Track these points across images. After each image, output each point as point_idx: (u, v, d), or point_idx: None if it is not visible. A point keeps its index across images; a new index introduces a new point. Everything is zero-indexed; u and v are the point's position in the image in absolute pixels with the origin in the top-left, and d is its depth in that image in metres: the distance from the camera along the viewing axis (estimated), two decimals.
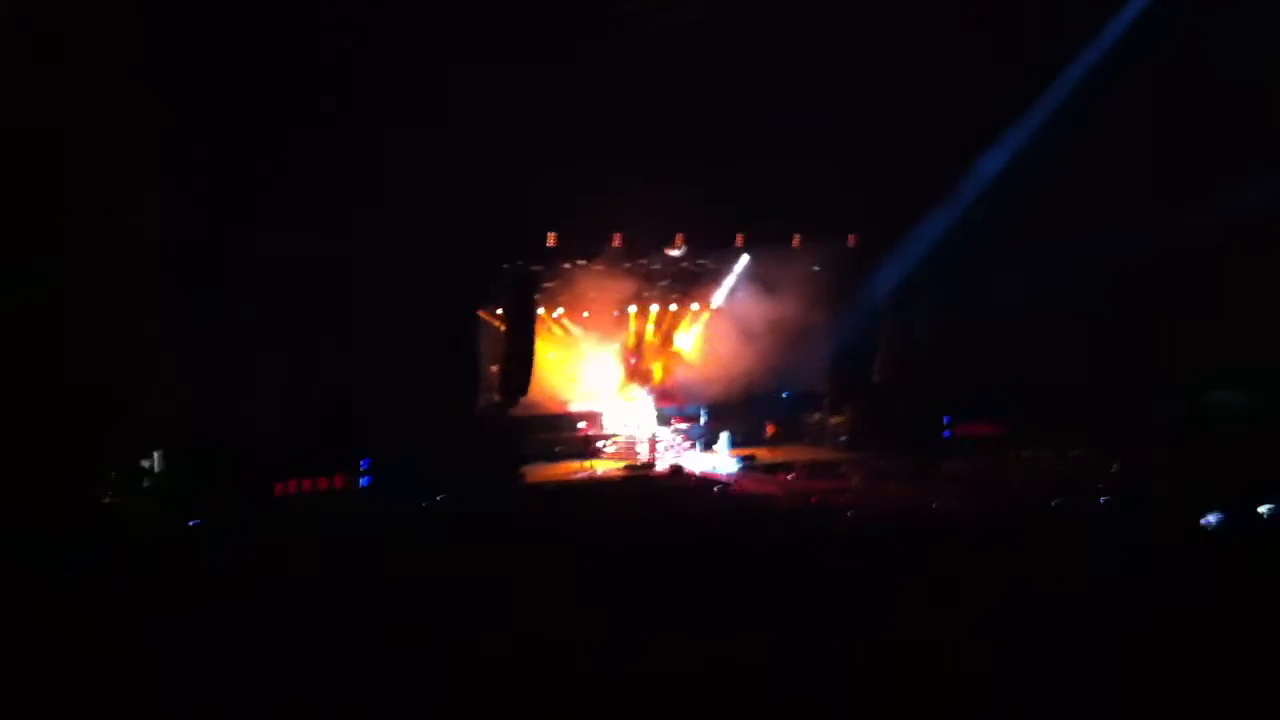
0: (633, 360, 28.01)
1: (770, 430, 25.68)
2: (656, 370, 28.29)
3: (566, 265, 25.38)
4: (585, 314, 27.66)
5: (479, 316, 24.61)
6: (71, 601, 9.24)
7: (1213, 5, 18.60)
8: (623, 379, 27.68)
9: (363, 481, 18.95)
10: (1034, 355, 21.12)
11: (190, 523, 14.70)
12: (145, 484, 17.50)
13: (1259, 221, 19.40)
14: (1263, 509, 11.22)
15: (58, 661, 7.42)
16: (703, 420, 25.15)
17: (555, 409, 26.50)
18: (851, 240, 24.15)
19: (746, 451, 23.48)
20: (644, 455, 23.90)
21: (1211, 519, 10.63)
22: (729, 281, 26.90)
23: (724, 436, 23.96)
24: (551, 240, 23.03)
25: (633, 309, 27.84)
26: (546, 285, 25.78)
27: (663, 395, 27.28)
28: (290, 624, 7.95)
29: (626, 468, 22.89)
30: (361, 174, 18.92)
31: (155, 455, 17.74)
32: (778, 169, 20.78)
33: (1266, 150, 19.08)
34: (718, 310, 27.55)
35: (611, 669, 6.71)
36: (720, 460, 23.04)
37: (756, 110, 19.97)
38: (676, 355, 28.72)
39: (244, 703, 6.71)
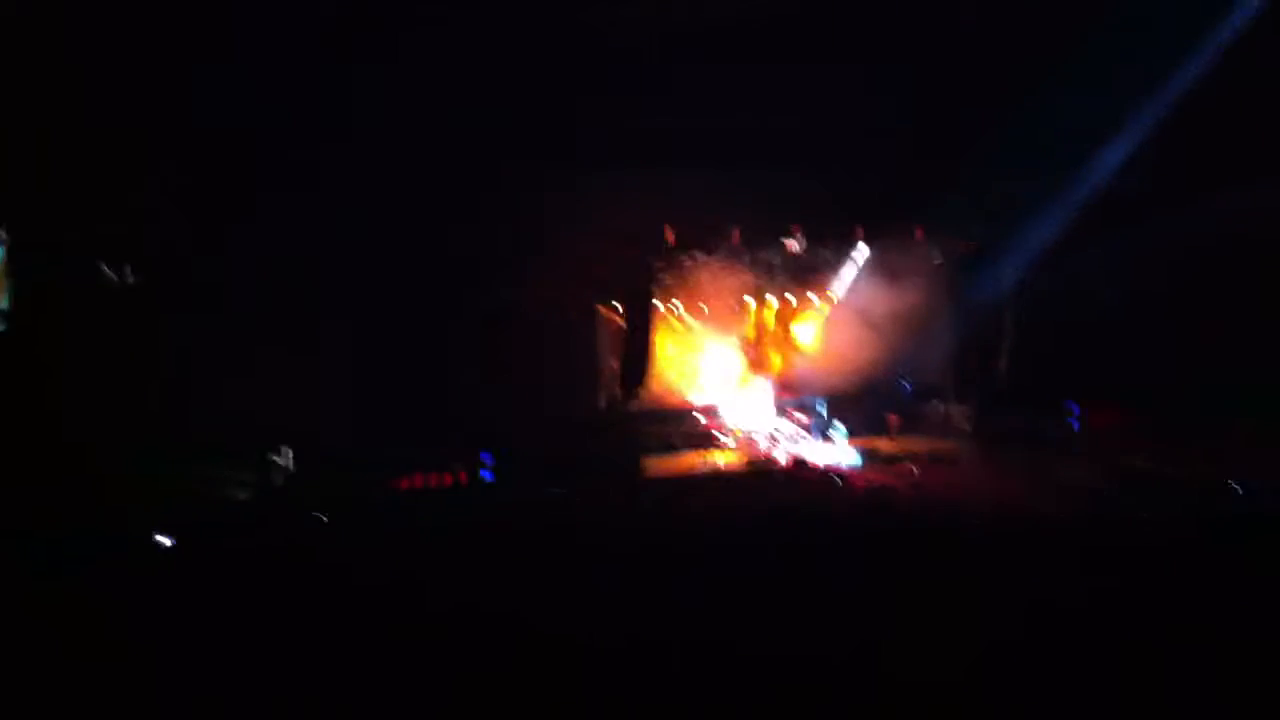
0: (752, 353, 27.88)
1: (894, 421, 25.33)
2: (776, 362, 28.14)
3: (685, 259, 25.40)
4: (704, 307, 27.62)
5: (599, 310, 24.76)
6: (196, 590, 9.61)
7: None
8: (742, 372, 27.59)
9: (484, 475, 19.19)
10: (1149, 345, 20.68)
11: (313, 515, 15.09)
12: (276, 480, 18.01)
13: None
14: None
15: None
16: (822, 412, 24.92)
17: (674, 402, 26.53)
18: (966, 246, 23.75)
19: (867, 442, 23.21)
20: (764, 447, 23.80)
21: None
22: (849, 273, 26.61)
23: (840, 428, 23.74)
24: (670, 236, 23.13)
25: (751, 302, 27.74)
26: (665, 279, 25.81)
27: (782, 387, 27.15)
28: (399, 617, 8.17)
29: (748, 461, 22.79)
30: (483, 173, 19.22)
31: (286, 452, 18.23)
32: (898, 162, 20.65)
33: None
34: (837, 302, 27.25)
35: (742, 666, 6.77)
36: (839, 452, 22.83)
37: (872, 103, 19.82)
38: (796, 347, 28.51)
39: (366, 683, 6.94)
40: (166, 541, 12.29)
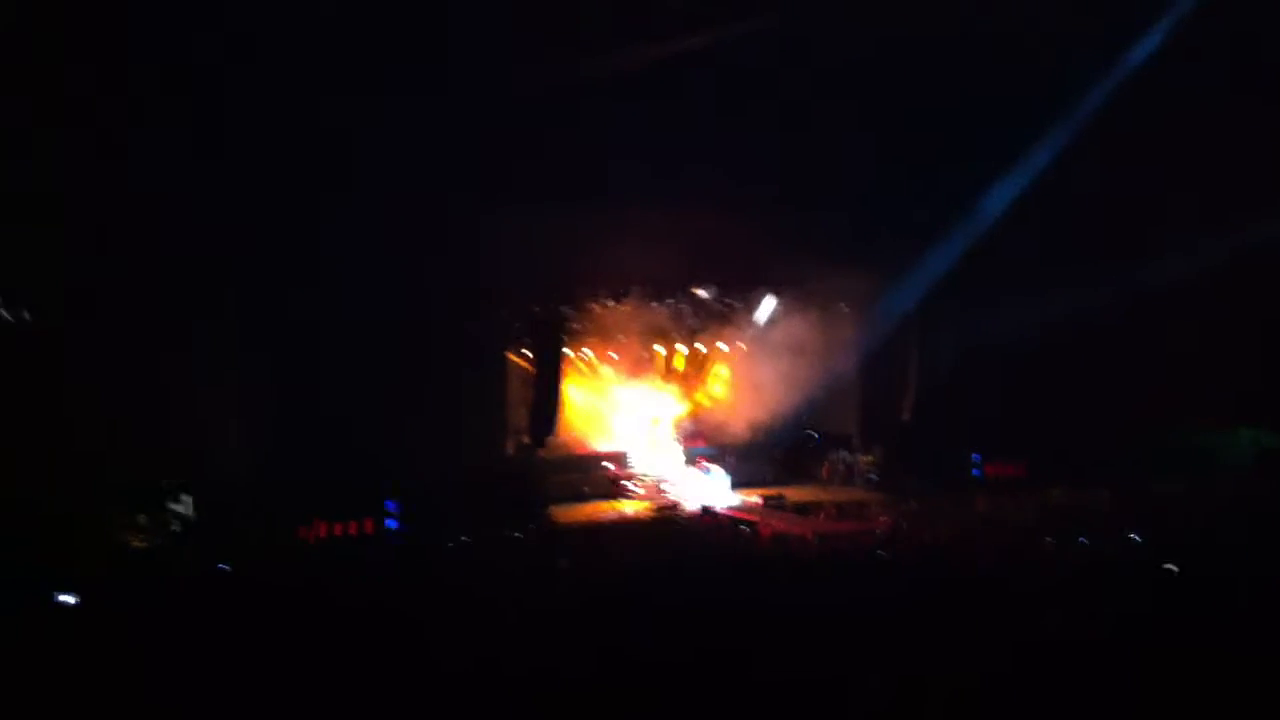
0: (661, 401, 28.02)
1: (826, 471, 25.52)
2: (684, 410, 28.29)
3: (594, 306, 25.44)
4: (613, 354, 27.71)
5: (507, 358, 24.64)
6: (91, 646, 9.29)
7: None
8: (651, 420, 27.65)
9: (389, 524, 18.89)
10: (1053, 393, 21.13)
11: (218, 566, 14.69)
12: (174, 528, 17.54)
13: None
14: None
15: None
16: (729, 460, 25.05)
17: (582, 450, 26.51)
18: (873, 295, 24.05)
19: (774, 491, 23.33)
20: (672, 496, 23.81)
21: None
22: (757, 320, 26.82)
23: (718, 470, 24.10)
24: (579, 284, 23.27)
25: (661, 349, 27.88)
26: (575, 326, 25.82)
27: (690, 435, 27.28)
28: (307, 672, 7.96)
29: (655, 508, 22.77)
30: (386, 223, 19.02)
31: (185, 499, 17.78)
32: (799, 208, 20.88)
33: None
34: (746, 350, 27.46)
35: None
36: (719, 494, 23.14)
37: (777, 150, 20.05)
38: (705, 395, 28.71)
39: None
40: (70, 600, 11.80)
